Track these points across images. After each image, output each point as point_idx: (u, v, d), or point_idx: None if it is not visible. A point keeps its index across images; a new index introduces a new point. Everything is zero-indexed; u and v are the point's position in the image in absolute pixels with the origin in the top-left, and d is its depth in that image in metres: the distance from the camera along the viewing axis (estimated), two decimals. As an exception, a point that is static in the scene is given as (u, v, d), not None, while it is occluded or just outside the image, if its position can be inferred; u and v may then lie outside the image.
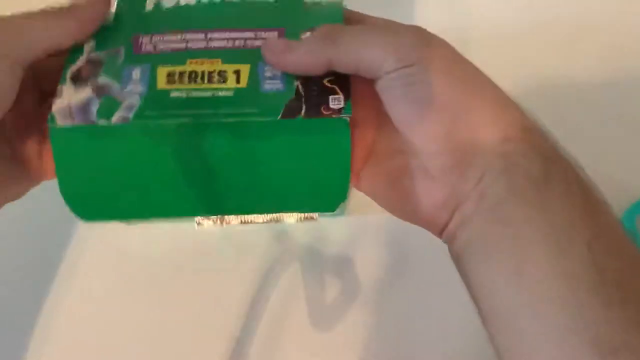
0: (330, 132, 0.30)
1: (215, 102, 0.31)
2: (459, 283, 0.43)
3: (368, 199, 0.45)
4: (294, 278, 0.44)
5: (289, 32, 0.31)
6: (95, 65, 0.32)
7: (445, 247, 0.44)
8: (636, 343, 0.23)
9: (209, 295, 0.44)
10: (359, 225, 0.46)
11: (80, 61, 0.32)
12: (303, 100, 0.30)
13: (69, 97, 0.31)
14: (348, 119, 0.30)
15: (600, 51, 0.53)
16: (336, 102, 0.30)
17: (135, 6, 0.33)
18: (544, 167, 0.26)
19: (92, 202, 0.32)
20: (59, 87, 0.31)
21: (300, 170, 0.31)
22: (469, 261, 0.27)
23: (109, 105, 0.31)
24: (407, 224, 0.45)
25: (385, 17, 0.31)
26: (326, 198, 0.32)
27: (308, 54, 0.28)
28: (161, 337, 0.43)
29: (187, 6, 0.33)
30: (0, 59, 0.29)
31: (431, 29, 0.28)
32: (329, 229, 0.46)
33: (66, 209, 0.31)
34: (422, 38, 0.27)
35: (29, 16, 0.30)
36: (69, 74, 0.32)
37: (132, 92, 0.31)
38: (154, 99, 0.31)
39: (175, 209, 0.32)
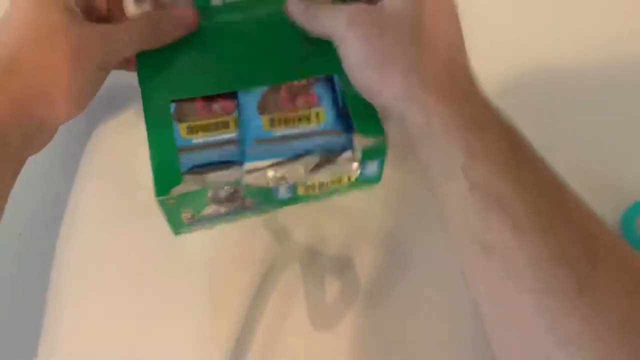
0: None
1: (248, 4, 0.42)
2: (458, 283, 0.43)
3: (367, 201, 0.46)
4: (294, 278, 0.44)
5: None
6: None
7: (445, 247, 0.44)
8: (505, 239, 0.30)
9: (209, 295, 0.44)
10: (359, 226, 0.46)
11: None
12: None
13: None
14: None
15: (602, 49, 0.53)
16: None
17: None
18: (427, 115, 0.34)
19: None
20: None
21: None
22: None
23: None
24: (407, 224, 0.45)
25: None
26: None
27: (300, 18, 0.41)
28: (161, 337, 0.43)
29: None
30: (89, 62, 0.39)
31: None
32: (329, 229, 0.46)
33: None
34: (346, 18, 0.37)
35: (119, 29, 0.41)
36: None
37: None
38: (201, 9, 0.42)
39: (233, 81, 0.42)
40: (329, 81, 0.43)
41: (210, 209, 0.42)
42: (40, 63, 0.37)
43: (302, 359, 0.42)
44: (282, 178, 0.40)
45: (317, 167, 0.40)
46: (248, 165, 0.40)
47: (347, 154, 0.40)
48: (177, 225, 0.43)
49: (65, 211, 0.47)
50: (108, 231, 0.46)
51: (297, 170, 0.40)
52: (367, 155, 0.42)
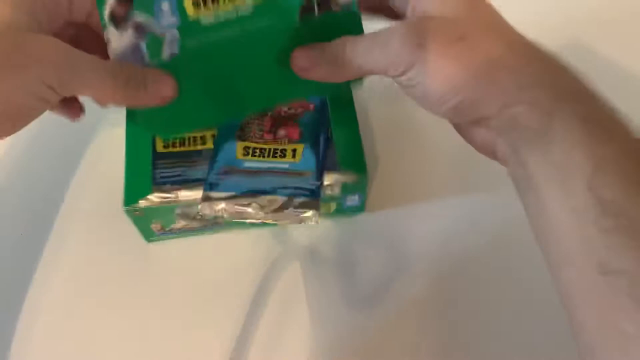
0: (344, 24, 0.34)
1: (240, 20, 0.35)
2: (458, 283, 0.43)
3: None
4: (294, 278, 0.44)
5: None
6: (124, 3, 0.35)
7: (444, 247, 0.45)
8: (628, 265, 0.26)
9: (209, 295, 0.44)
10: (359, 226, 0.46)
11: (110, 1, 0.35)
12: (314, 2, 0.35)
13: (117, 43, 0.35)
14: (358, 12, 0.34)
15: (602, 47, 0.53)
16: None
17: None
18: (546, 116, 0.28)
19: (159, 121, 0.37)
20: (104, 33, 0.35)
21: None
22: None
23: (154, 43, 0.35)
24: (407, 224, 0.45)
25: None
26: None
27: (326, 75, 0.33)
28: (161, 337, 0.42)
29: None
30: (35, 75, 0.30)
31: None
32: (329, 229, 0.46)
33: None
34: (409, 40, 0.30)
35: (89, 60, 0.32)
36: (106, 17, 0.35)
37: (168, 26, 0.35)
38: (189, 29, 0.35)
39: (225, 111, 0.37)
40: (320, 112, 0.42)
41: (180, 224, 0.43)
42: None
43: (302, 358, 0.41)
44: (240, 214, 0.39)
45: (276, 209, 0.39)
46: (206, 194, 0.39)
47: (310, 202, 0.38)
48: (148, 234, 0.44)
49: (60, 212, 0.47)
50: (104, 230, 0.46)
51: (254, 209, 0.39)
52: (347, 189, 0.41)
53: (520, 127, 0.29)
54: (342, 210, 0.45)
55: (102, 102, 0.35)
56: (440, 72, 0.29)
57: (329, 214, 0.45)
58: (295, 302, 0.43)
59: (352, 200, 0.43)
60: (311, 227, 0.45)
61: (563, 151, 0.28)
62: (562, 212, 0.28)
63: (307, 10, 0.36)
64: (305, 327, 0.42)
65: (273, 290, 0.44)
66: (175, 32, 0.36)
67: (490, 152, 0.32)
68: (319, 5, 0.35)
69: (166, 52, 0.36)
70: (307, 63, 0.34)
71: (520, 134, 0.29)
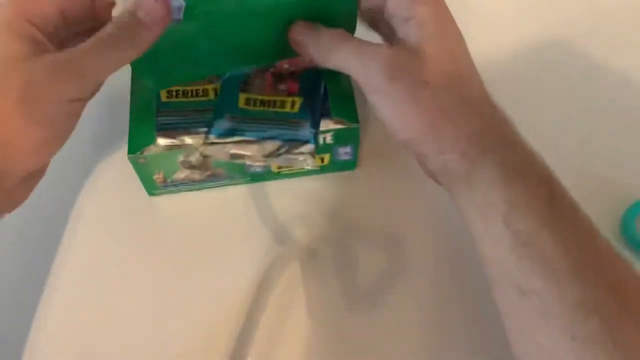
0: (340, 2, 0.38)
1: None
2: (458, 283, 0.43)
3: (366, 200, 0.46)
4: (294, 278, 0.44)
5: None
6: None
7: (444, 248, 0.45)
8: (537, 286, 0.31)
9: (209, 295, 0.44)
10: (358, 226, 0.46)
11: None
12: None
13: (123, 5, 0.36)
14: None
15: (603, 48, 0.53)
16: None
17: None
18: (471, 165, 0.34)
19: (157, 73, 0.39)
20: None
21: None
22: None
23: None
24: (407, 224, 0.45)
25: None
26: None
27: (311, 56, 0.38)
28: (161, 337, 0.42)
29: None
30: (55, 98, 0.33)
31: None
32: (329, 229, 0.46)
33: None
34: (385, 70, 0.34)
35: (86, 52, 0.33)
36: None
37: None
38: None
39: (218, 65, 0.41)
40: (317, 71, 0.44)
41: (182, 174, 0.44)
42: None
43: (302, 358, 0.41)
44: (240, 156, 0.42)
45: (275, 153, 0.41)
46: (211, 138, 0.42)
47: (305, 148, 0.42)
48: (151, 186, 0.45)
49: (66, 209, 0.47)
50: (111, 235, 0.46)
51: (256, 152, 0.41)
52: (339, 139, 0.43)
53: (451, 173, 0.35)
54: (336, 164, 0.46)
55: (123, 64, 0.35)
56: (399, 108, 0.35)
57: (324, 168, 0.47)
58: (295, 302, 0.43)
59: (346, 153, 0.45)
60: (312, 226, 0.46)
61: (482, 193, 0.33)
62: (487, 243, 0.33)
63: None
64: (305, 327, 0.42)
65: (273, 290, 0.43)
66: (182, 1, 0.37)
67: (435, 180, 0.37)
68: None
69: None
70: (301, 39, 0.38)
71: (450, 178, 0.35)
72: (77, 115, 0.35)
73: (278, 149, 0.42)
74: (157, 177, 0.44)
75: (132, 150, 0.41)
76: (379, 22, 0.39)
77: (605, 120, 0.50)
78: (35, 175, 0.36)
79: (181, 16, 0.36)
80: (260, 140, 0.42)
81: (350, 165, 0.47)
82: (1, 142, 0.32)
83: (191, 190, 0.47)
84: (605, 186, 0.46)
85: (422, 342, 0.42)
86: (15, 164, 0.33)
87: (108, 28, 0.34)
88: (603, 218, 0.43)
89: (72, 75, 0.33)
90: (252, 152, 0.41)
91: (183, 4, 0.36)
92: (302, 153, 0.42)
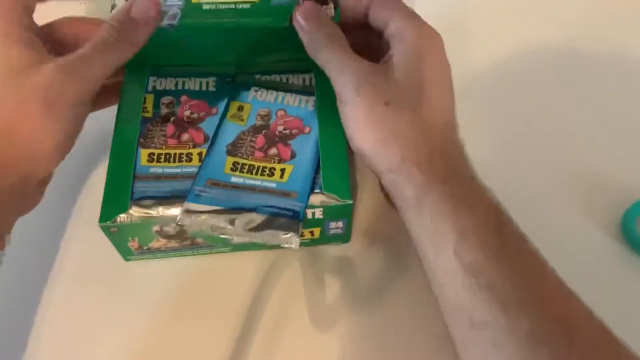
0: None
1: (237, 12, 0.41)
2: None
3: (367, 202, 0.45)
4: (294, 278, 0.43)
5: None
6: None
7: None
8: (488, 317, 0.31)
9: (209, 295, 0.43)
10: (359, 226, 0.45)
11: None
12: None
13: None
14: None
15: (603, 48, 0.53)
16: (327, 10, 0.40)
17: None
18: (421, 192, 0.34)
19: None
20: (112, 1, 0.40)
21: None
22: None
23: None
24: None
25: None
26: None
27: (306, 43, 0.39)
28: (161, 336, 0.42)
29: None
30: (61, 101, 0.35)
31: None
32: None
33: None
34: (355, 84, 0.36)
35: (87, 55, 0.36)
36: None
37: (172, 5, 0.40)
38: (191, 10, 0.41)
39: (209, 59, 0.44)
40: (312, 137, 0.41)
41: (158, 243, 0.41)
42: (1, 114, 0.34)
43: (302, 359, 0.41)
44: (218, 229, 0.38)
45: (256, 228, 0.37)
46: (188, 205, 0.38)
47: (290, 224, 0.38)
48: (125, 252, 0.42)
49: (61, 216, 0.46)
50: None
51: (235, 225, 0.37)
52: (330, 214, 0.40)
53: (402, 196, 0.35)
54: (327, 238, 0.43)
55: (120, 63, 0.38)
56: (358, 121, 0.36)
57: (313, 241, 0.43)
58: (295, 302, 0.42)
59: (337, 227, 0.42)
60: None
61: (433, 223, 0.34)
62: (439, 272, 0.34)
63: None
64: (305, 327, 0.41)
65: (273, 290, 0.43)
66: (177, 9, 0.41)
67: (391, 205, 0.37)
68: None
69: (165, 22, 0.41)
70: (303, 24, 0.39)
71: (402, 201, 0.36)
72: (83, 118, 0.37)
73: (261, 223, 0.38)
74: (132, 244, 0.41)
75: (103, 219, 0.38)
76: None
77: (605, 120, 0.50)
78: (48, 178, 0.39)
79: (176, 22, 0.41)
80: (242, 212, 0.38)
81: (342, 238, 0.44)
82: (29, 145, 0.34)
83: (169, 257, 0.43)
84: (605, 186, 0.46)
85: (422, 342, 0.42)
86: (38, 167, 0.36)
87: (103, 30, 0.37)
88: (603, 218, 0.44)
89: (78, 78, 0.35)
90: (231, 225, 0.37)
91: (178, 12, 0.40)
92: (286, 230, 0.38)
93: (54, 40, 0.38)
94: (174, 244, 0.41)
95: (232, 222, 0.37)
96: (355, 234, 0.45)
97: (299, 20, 0.39)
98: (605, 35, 0.54)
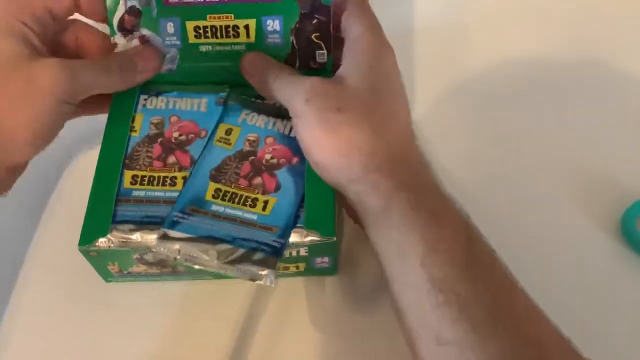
0: None
1: (234, 54, 0.41)
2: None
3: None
4: (294, 278, 0.42)
5: None
6: (134, 15, 0.40)
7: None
8: (456, 336, 0.30)
9: (209, 294, 0.43)
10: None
11: (120, 10, 0.40)
12: (297, 54, 0.41)
13: (123, 48, 0.41)
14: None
15: (603, 48, 0.53)
16: (321, 56, 0.41)
17: None
18: (386, 200, 0.33)
19: None
20: (112, 38, 0.41)
21: None
22: None
23: None
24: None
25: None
26: None
27: (257, 85, 0.40)
28: (161, 335, 0.42)
29: None
30: (48, 95, 0.35)
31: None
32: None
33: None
34: (303, 95, 0.35)
35: (84, 65, 0.38)
36: (115, 24, 0.41)
37: (171, 46, 0.41)
38: (189, 52, 0.42)
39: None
40: (298, 169, 0.39)
41: (139, 268, 0.40)
42: None
43: (302, 359, 0.41)
44: (191, 258, 0.36)
45: (232, 261, 0.36)
46: (163, 232, 0.37)
47: (267, 261, 0.36)
48: (106, 275, 0.41)
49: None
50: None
51: (210, 256, 0.36)
52: (314, 251, 0.38)
53: (365, 207, 0.34)
54: (313, 271, 0.41)
55: (109, 92, 0.40)
56: (312, 131, 0.35)
57: (299, 273, 0.42)
58: (295, 302, 0.42)
59: (323, 262, 0.40)
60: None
61: (400, 233, 0.33)
62: (404, 285, 0.33)
63: (290, 60, 0.41)
64: (305, 327, 0.41)
65: (273, 291, 0.42)
66: (176, 51, 0.42)
67: (355, 220, 0.37)
68: (300, 59, 0.41)
69: (165, 67, 0.42)
70: (249, 67, 0.41)
71: (366, 212, 0.34)
72: (66, 116, 0.38)
73: (237, 257, 0.36)
74: (112, 268, 0.40)
75: (82, 242, 0.37)
76: None
77: (605, 120, 0.49)
78: (20, 168, 0.39)
79: (174, 67, 0.42)
80: (218, 242, 0.36)
81: (329, 271, 0.42)
82: (5, 130, 0.35)
83: (150, 281, 0.42)
84: (605, 186, 0.46)
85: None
86: (8, 155, 0.36)
87: (108, 59, 0.40)
88: (603, 218, 0.44)
89: (68, 79, 0.36)
90: (206, 256, 0.36)
91: (177, 56, 0.42)
92: (263, 266, 0.36)
93: (57, 39, 0.40)
94: (155, 270, 0.40)
95: (206, 253, 0.36)
96: (343, 264, 0.43)
97: (245, 66, 0.41)
98: (605, 36, 0.53)
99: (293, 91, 0.36)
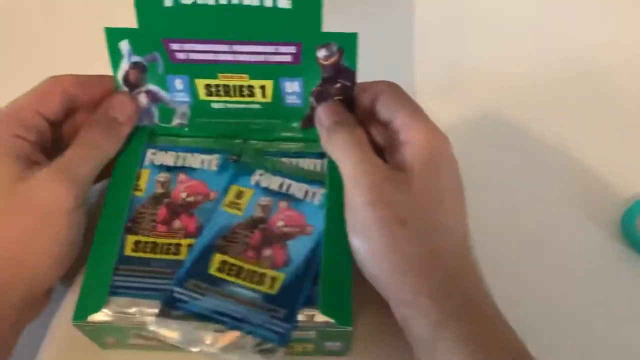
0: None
1: (248, 112, 0.39)
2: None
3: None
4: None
5: (306, 47, 0.36)
6: (139, 70, 0.38)
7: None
8: None
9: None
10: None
11: (124, 64, 0.38)
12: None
13: None
14: None
15: (603, 49, 0.54)
16: None
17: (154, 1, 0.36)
18: (433, 330, 0.31)
19: None
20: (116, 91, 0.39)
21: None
22: None
23: (165, 112, 0.40)
24: None
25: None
26: None
27: (325, 139, 0.38)
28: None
29: (206, 5, 0.35)
30: (57, 211, 0.34)
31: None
32: None
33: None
34: (369, 192, 0.33)
35: (72, 158, 0.36)
36: (120, 78, 0.39)
37: (181, 102, 0.39)
38: (200, 109, 0.40)
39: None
40: (318, 242, 0.36)
41: (137, 341, 0.37)
42: None
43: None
44: (189, 342, 0.34)
45: (230, 346, 0.33)
46: (162, 309, 0.34)
47: (270, 348, 0.33)
48: (102, 344, 0.38)
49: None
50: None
51: (209, 339, 0.34)
52: (325, 337, 0.35)
53: (413, 333, 0.32)
54: (321, 352, 0.37)
55: (108, 160, 0.38)
56: (371, 241, 0.33)
57: (305, 353, 0.38)
58: None
59: (334, 346, 0.36)
60: None
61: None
62: None
63: (308, 121, 0.40)
64: None
65: None
66: (187, 107, 0.40)
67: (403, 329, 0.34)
68: None
69: (176, 121, 0.40)
70: (323, 117, 0.38)
71: (414, 338, 0.32)
72: (80, 225, 0.36)
73: (236, 342, 0.33)
74: (109, 340, 0.37)
75: (77, 317, 0.34)
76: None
77: (605, 120, 0.50)
78: (53, 286, 0.37)
79: (186, 121, 0.40)
80: (217, 324, 0.34)
81: (339, 352, 0.38)
82: (26, 266, 0.33)
83: (149, 351, 0.39)
84: (605, 186, 0.46)
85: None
86: (37, 287, 0.35)
87: (85, 131, 0.37)
88: (603, 218, 0.44)
89: (67, 183, 0.34)
90: (207, 340, 0.33)
91: (188, 111, 0.40)
92: (266, 355, 0.33)
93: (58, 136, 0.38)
94: (154, 343, 0.37)
95: (207, 337, 0.33)
96: (355, 343, 0.38)
97: (319, 113, 0.38)
98: (605, 35, 0.54)
99: (357, 179, 0.34)
